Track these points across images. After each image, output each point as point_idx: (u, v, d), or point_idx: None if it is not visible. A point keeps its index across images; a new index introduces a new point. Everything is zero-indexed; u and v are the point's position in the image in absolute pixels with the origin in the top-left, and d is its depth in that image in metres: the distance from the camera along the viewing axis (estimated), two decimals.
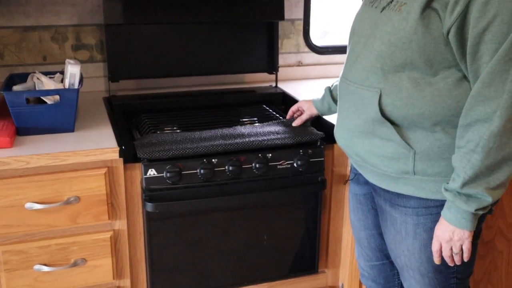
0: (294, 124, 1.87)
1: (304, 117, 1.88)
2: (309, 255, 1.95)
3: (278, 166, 1.77)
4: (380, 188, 1.49)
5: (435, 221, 1.39)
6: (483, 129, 1.22)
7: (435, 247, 1.38)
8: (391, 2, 1.35)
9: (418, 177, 1.37)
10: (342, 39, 2.62)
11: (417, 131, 1.35)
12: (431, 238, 1.41)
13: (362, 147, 1.45)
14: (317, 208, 1.89)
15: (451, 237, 1.33)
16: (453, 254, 1.36)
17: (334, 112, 1.77)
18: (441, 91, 1.30)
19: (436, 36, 1.26)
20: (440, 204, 1.38)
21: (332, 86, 1.80)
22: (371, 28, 1.38)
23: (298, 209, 1.90)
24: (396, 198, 1.45)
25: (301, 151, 1.79)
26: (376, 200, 1.56)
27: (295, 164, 1.79)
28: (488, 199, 1.27)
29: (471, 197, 1.27)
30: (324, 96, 1.82)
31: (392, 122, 1.37)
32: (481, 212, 1.29)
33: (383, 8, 1.35)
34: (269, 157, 1.76)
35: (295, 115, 1.94)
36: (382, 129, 1.38)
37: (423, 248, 1.44)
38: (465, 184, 1.26)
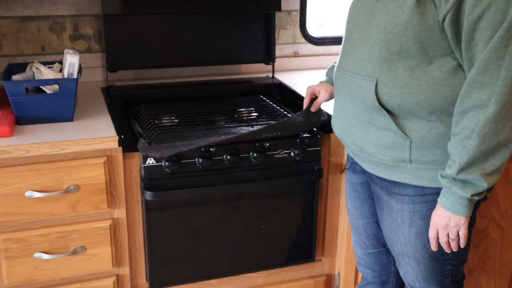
0: (313, 109, 1.76)
1: (321, 99, 1.75)
2: (306, 243, 1.97)
3: (276, 156, 1.79)
4: (376, 176, 1.51)
5: (431, 208, 1.41)
6: (479, 116, 1.24)
7: (432, 233, 1.40)
8: None
9: (414, 166, 1.39)
10: (338, 31, 2.64)
11: (413, 120, 1.37)
12: (427, 225, 1.43)
13: (359, 136, 1.46)
14: (314, 197, 1.91)
15: (447, 223, 1.35)
16: (450, 240, 1.38)
17: None
18: (436, 79, 1.32)
19: (431, 24, 1.28)
20: (436, 192, 1.40)
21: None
22: (367, 16, 1.39)
23: (295, 198, 1.92)
24: (392, 186, 1.47)
25: (298, 140, 1.80)
26: (372, 189, 1.58)
27: (292, 154, 1.80)
28: (483, 185, 1.29)
29: (466, 183, 1.29)
30: (328, 72, 1.79)
31: (389, 111, 1.38)
32: (476, 198, 1.31)
33: None
34: (266, 146, 1.77)
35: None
36: (379, 118, 1.40)
37: (419, 235, 1.46)
38: (461, 170, 1.28)
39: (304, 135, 1.83)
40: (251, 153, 1.76)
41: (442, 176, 1.33)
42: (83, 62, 2.21)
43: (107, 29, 2.13)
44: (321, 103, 1.77)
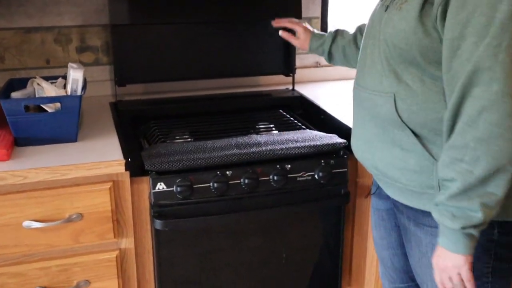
0: (281, 34, 1.82)
1: (291, 39, 1.83)
2: (332, 273, 1.81)
3: (298, 178, 1.64)
4: (402, 204, 1.35)
5: None
6: (468, 135, 1.08)
7: (437, 278, 1.22)
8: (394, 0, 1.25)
9: None
10: None
11: (438, 140, 1.21)
12: None
13: (381, 159, 1.32)
14: (340, 223, 1.76)
15: (446, 265, 1.17)
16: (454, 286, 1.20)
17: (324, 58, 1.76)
18: None
19: (435, 37, 1.14)
20: None
21: (337, 35, 1.72)
22: (378, 29, 1.28)
23: (320, 224, 1.76)
24: (420, 216, 1.31)
25: (322, 161, 1.65)
26: (398, 218, 1.43)
27: (316, 176, 1.65)
28: (477, 216, 1.10)
29: (457, 212, 1.12)
30: (325, 41, 1.74)
31: (412, 130, 1.24)
32: (473, 232, 1.13)
33: (387, 7, 1.26)
34: (288, 168, 1.62)
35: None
36: (402, 138, 1.25)
37: None
38: (452, 197, 1.12)
39: (329, 156, 1.66)
40: (271, 176, 1.61)
41: (436, 205, 1.16)
42: (90, 75, 2.08)
43: (116, 40, 1.99)
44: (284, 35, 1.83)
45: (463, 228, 1.12)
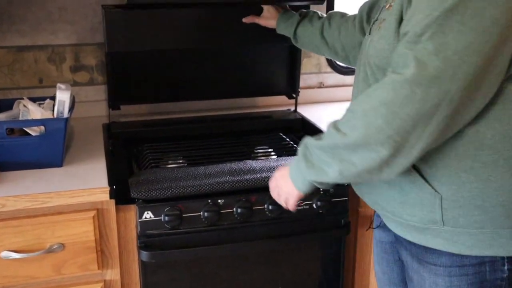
0: (244, 20, 1.80)
1: (257, 21, 1.80)
2: None
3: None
4: (405, 239, 1.27)
5: (472, 283, 1.18)
6: (361, 103, 1.09)
7: (271, 184, 1.33)
8: (375, 21, 1.21)
9: (448, 228, 1.15)
10: None
11: (439, 171, 1.13)
12: None
13: (380, 193, 1.24)
14: (340, 255, 1.66)
15: (282, 187, 1.27)
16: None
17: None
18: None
19: None
20: (479, 262, 1.16)
21: (305, 17, 1.70)
22: (365, 54, 1.23)
23: (318, 256, 1.67)
24: (423, 253, 1.23)
25: (321, 190, 1.56)
26: (400, 253, 1.35)
27: (314, 205, 1.56)
28: (329, 172, 1.12)
29: (316, 161, 1.15)
30: (293, 22, 1.71)
31: None
32: (316, 184, 1.19)
33: (371, 30, 1.22)
34: None
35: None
36: None
37: None
38: (320, 146, 1.14)
39: None
40: (265, 205, 1.53)
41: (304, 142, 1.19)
42: (85, 95, 2.02)
43: (110, 62, 1.89)
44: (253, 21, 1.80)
45: (313, 181, 1.17)
